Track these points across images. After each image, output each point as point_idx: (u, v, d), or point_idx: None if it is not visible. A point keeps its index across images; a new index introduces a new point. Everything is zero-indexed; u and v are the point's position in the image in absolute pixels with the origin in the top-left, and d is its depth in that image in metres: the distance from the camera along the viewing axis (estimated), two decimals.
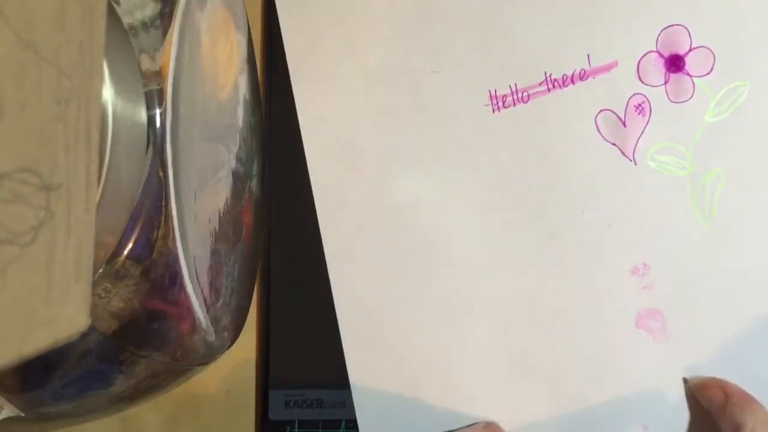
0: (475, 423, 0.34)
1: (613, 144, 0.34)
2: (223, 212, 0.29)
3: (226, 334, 0.30)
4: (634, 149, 0.34)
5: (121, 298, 0.23)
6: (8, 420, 0.23)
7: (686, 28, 0.34)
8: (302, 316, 0.37)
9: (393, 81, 0.35)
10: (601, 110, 0.34)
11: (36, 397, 0.23)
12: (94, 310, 0.21)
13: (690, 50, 0.34)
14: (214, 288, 0.29)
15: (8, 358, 0.15)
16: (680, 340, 0.34)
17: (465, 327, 0.34)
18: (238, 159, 0.31)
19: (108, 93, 0.21)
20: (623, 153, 0.34)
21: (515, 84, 0.35)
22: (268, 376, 0.37)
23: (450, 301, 0.34)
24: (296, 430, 0.37)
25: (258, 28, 0.37)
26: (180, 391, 0.34)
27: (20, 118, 0.15)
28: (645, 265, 0.34)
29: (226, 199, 0.30)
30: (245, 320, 0.34)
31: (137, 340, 0.24)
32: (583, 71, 0.34)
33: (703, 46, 0.34)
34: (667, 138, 0.34)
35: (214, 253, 0.29)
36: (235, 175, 0.30)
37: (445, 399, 0.35)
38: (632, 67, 0.34)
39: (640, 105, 0.34)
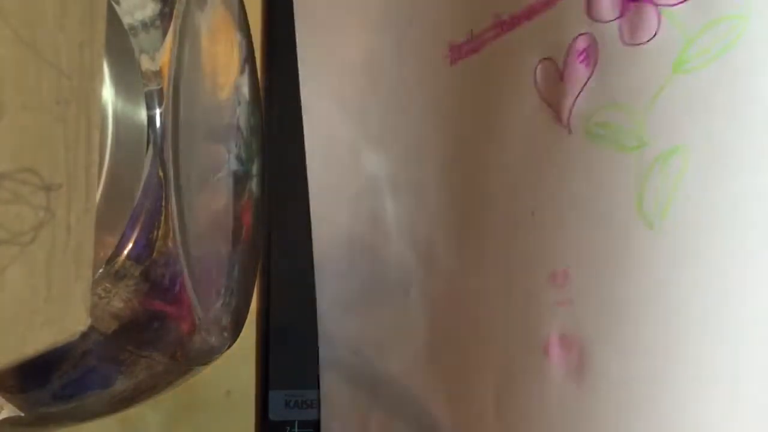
0: None
1: (549, 105, 0.25)
2: (224, 212, 0.29)
3: (226, 334, 0.30)
4: (570, 112, 0.25)
5: (121, 298, 0.23)
6: (8, 420, 0.23)
7: None
8: (302, 316, 0.37)
9: (378, 33, 0.32)
10: (542, 59, 0.26)
11: (35, 398, 0.23)
12: (94, 310, 0.21)
13: None
14: (214, 288, 0.29)
15: (8, 358, 0.15)
16: (600, 380, 0.24)
17: (402, 309, 0.31)
18: (238, 159, 0.31)
19: (108, 93, 0.21)
20: (558, 117, 0.25)
21: (471, 31, 0.28)
22: (268, 376, 0.37)
23: (391, 281, 0.31)
24: (296, 430, 0.37)
25: (258, 28, 0.37)
26: (180, 391, 0.34)
27: (20, 118, 0.15)
28: (565, 272, 0.24)
29: (227, 200, 0.30)
30: (245, 320, 0.34)
31: (137, 340, 0.24)
32: (530, 7, 0.26)
33: None
34: (614, 97, 0.24)
35: (214, 253, 0.29)
36: (235, 175, 0.30)
37: (383, 378, 0.32)
38: None
39: (584, 50, 0.24)
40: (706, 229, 0.22)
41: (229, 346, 0.32)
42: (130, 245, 0.22)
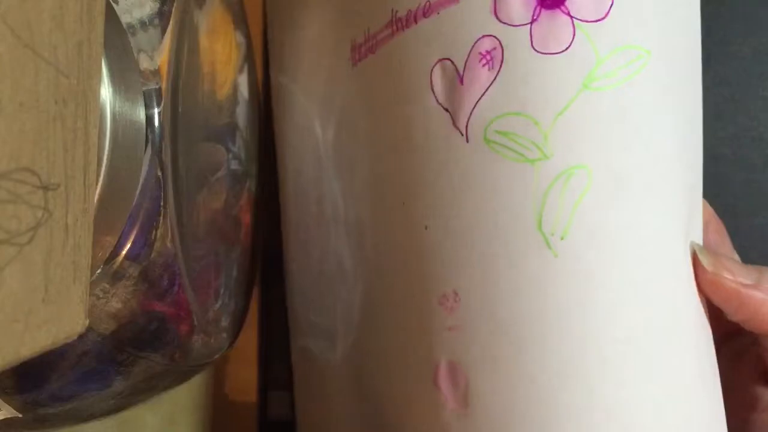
0: None
1: (446, 109, 0.23)
2: (222, 212, 0.29)
3: (225, 334, 0.30)
4: (469, 118, 0.23)
5: (119, 299, 0.22)
6: (6, 421, 0.23)
7: None
8: None
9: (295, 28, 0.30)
10: (440, 60, 0.23)
11: (34, 399, 0.23)
12: (92, 311, 0.21)
13: None
14: (213, 289, 0.28)
15: (6, 359, 0.15)
16: (486, 411, 0.22)
17: (338, 302, 0.30)
18: (238, 159, 0.31)
19: (106, 92, 0.21)
20: (454, 123, 0.23)
21: (368, 30, 0.26)
22: (268, 376, 0.37)
23: (335, 270, 0.30)
24: (296, 430, 0.37)
25: (258, 28, 0.37)
26: (179, 391, 0.34)
27: (18, 117, 0.15)
28: (456, 294, 0.23)
29: (225, 200, 0.30)
30: (245, 321, 0.34)
31: (136, 341, 0.24)
32: (428, 4, 0.23)
33: None
34: (517, 105, 0.22)
35: (213, 253, 0.29)
36: (234, 175, 0.30)
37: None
38: None
39: (488, 53, 0.22)
40: (603, 254, 0.21)
41: (229, 347, 0.32)
42: (129, 245, 0.22)
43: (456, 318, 0.23)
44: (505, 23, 0.22)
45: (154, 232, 0.23)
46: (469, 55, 0.23)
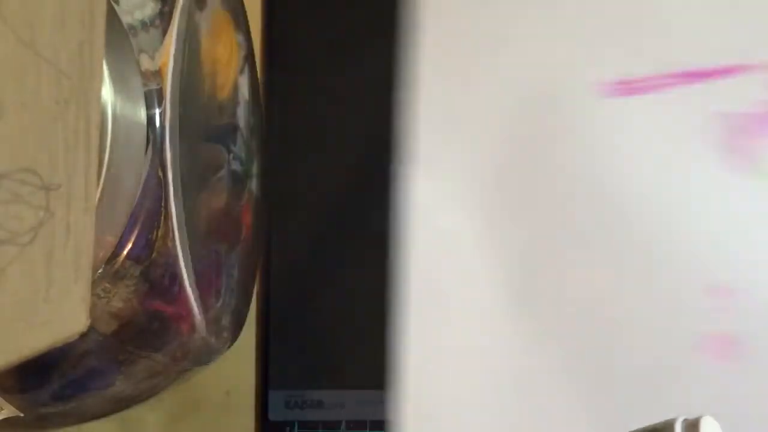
0: None
1: (734, 151, 0.31)
2: (223, 212, 0.29)
3: (225, 334, 0.30)
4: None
5: (120, 299, 0.23)
6: (8, 420, 0.23)
7: None
8: (302, 316, 0.37)
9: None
10: (720, 113, 0.31)
11: (35, 398, 0.23)
12: (93, 311, 0.21)
13: None
14: (214, 288, 0.29)
15: (7, 358, 0.15)
16: (757, 365, 0.30)
17: (519, 321, 0.33)
18: (238, 159, 0.31)
19: (107, 93, 0.21)
20: (744, 163, 0.31)
21: (634, 72, 0.32)
22: (267, 376, 0.37)
23: (510, 287, 0.33)
24: (296, 430, 0.37)
25: (258, 28, 0.37)
26: (180, 391, 0.34)
27: (20, 117, 0.15)
28: (726, 286, 0.30)
29: (226, 200, 0.30)
30: (245, 320, 0.34)
31: (137, 340, 0.24)
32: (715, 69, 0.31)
33: None
34: None
35: (214, 253, 0.29)
36: (235, 175, 0.30)
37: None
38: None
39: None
40: None
41: (229, 347, 0.32)
42: (130, 245, 0.22)
43: (727, 302, 0.30)
44: None
45: (155, 232, 0.23)
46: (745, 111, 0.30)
